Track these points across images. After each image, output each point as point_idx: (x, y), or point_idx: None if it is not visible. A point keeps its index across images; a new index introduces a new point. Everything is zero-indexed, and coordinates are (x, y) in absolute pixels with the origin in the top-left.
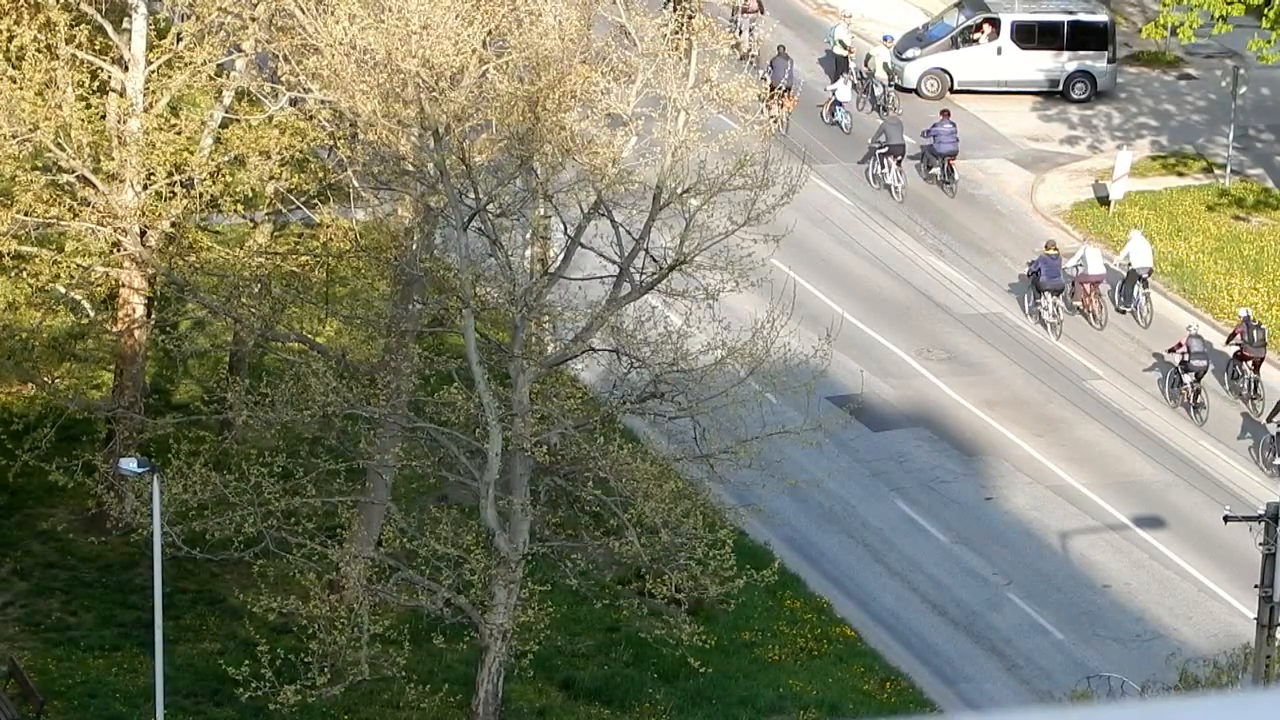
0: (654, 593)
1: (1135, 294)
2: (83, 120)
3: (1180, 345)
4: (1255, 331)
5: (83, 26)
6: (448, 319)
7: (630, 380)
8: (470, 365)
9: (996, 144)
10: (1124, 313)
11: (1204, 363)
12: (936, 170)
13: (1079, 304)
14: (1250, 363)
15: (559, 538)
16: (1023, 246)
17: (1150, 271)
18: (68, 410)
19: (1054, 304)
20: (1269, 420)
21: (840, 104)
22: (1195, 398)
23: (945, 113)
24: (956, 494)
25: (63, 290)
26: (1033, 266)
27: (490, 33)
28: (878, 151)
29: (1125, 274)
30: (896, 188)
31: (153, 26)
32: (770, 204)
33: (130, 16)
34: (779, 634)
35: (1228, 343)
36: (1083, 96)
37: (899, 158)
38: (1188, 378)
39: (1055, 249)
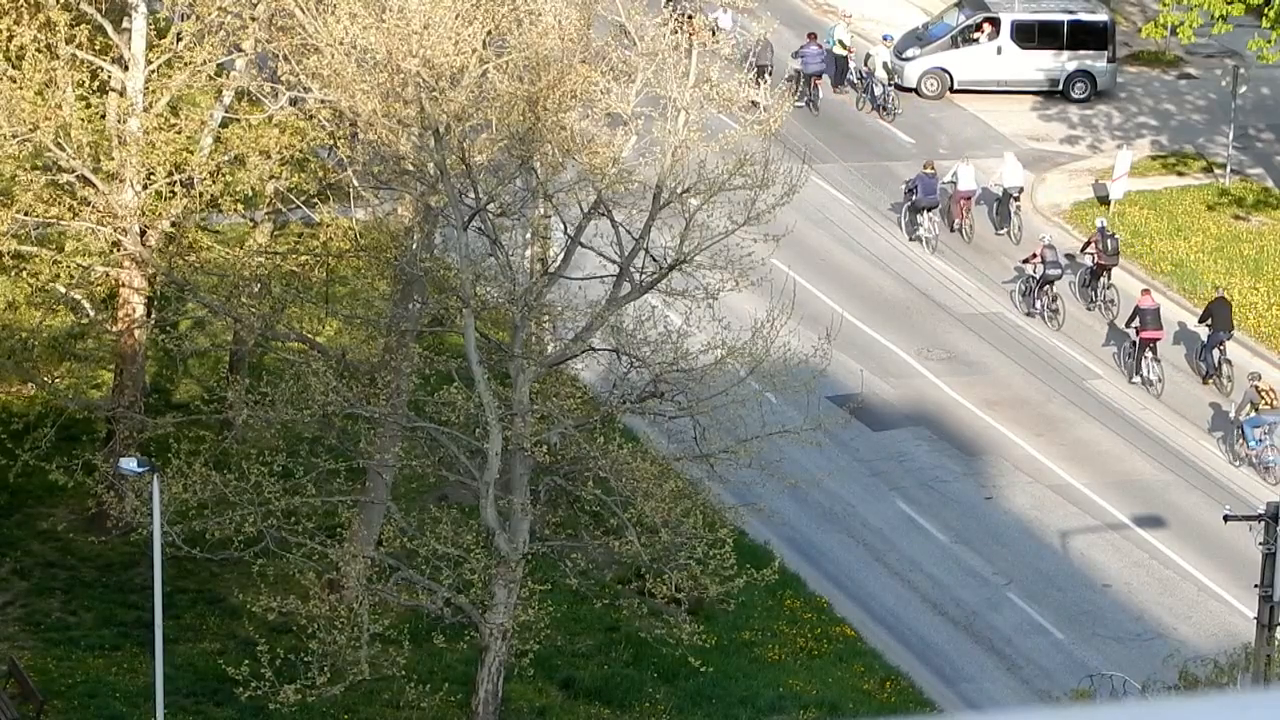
0: (654, 592)
1: (1009, 212)
2: (83, 120)
3: (1035, 256)
4: (1109, 241)
5: (83, 26)
6: (448, 319)
7: (630, 380)
8: (470, 365)
9: (996, 144)
10: (1000, 232)
11: (1057, 272)
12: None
13: (954, 221)
14: (1105, 271)
15: (559, 537)
16: (1023, 247)
17: (1021, 191)
18: (68, 410)
19: (930, 220)
20: (1126, 326)
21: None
22: (1051, 304)
23: (928, 165)
24: (956, 494)
25: (63, 290)
26: (909, 185)
27: (490, 32)
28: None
29: (999, 194)
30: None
31: (153, 26)
32: (770, 204)
33: (130, 16)
34: (779, 634)
35: (1082, 252)
36: (1083, 96)
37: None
38: (1043, 286)
39: (932, 168)
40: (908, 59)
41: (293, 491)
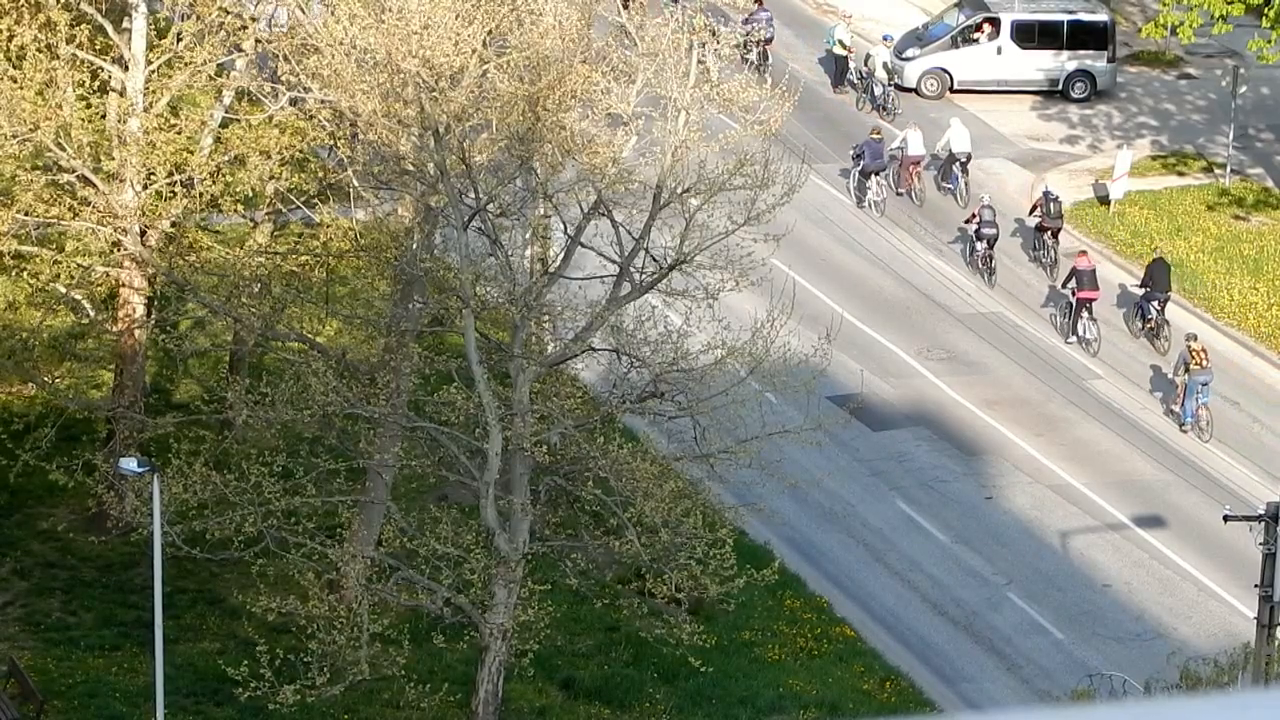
0: (654, 592)
1: (954, 175)
2: (83, 120)
3: (975, 216)
4: (1053, 204)
5: (83, 26)
6: (448, 319)
7: (630, 380)
8: (470, 365)
9: (996, 144)
10: (945, 191)
11: (994, 231)
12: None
13: (903, 185)
14: (1049, 233)
15: (559, 537)
16: (1024, 247)
17: (969, 157)
18: (68, 410)
19: (877, 183)
20: (1063, 286)
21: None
22: (988, 263)
23: (875, 131)
24: (956, 494)
25: (63, 290)
26: (857, 150)
27: (490, 33)
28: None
29: (944, 157)
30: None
31: (153, 26)
32: (770, 204)
33: (130, 16)
34: (779, 634)
35: (1029, 214)
36: (1083, 96)
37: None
38: (980, 245)
39: (879, 134)
40: (908, 59)
41: (293, 491)
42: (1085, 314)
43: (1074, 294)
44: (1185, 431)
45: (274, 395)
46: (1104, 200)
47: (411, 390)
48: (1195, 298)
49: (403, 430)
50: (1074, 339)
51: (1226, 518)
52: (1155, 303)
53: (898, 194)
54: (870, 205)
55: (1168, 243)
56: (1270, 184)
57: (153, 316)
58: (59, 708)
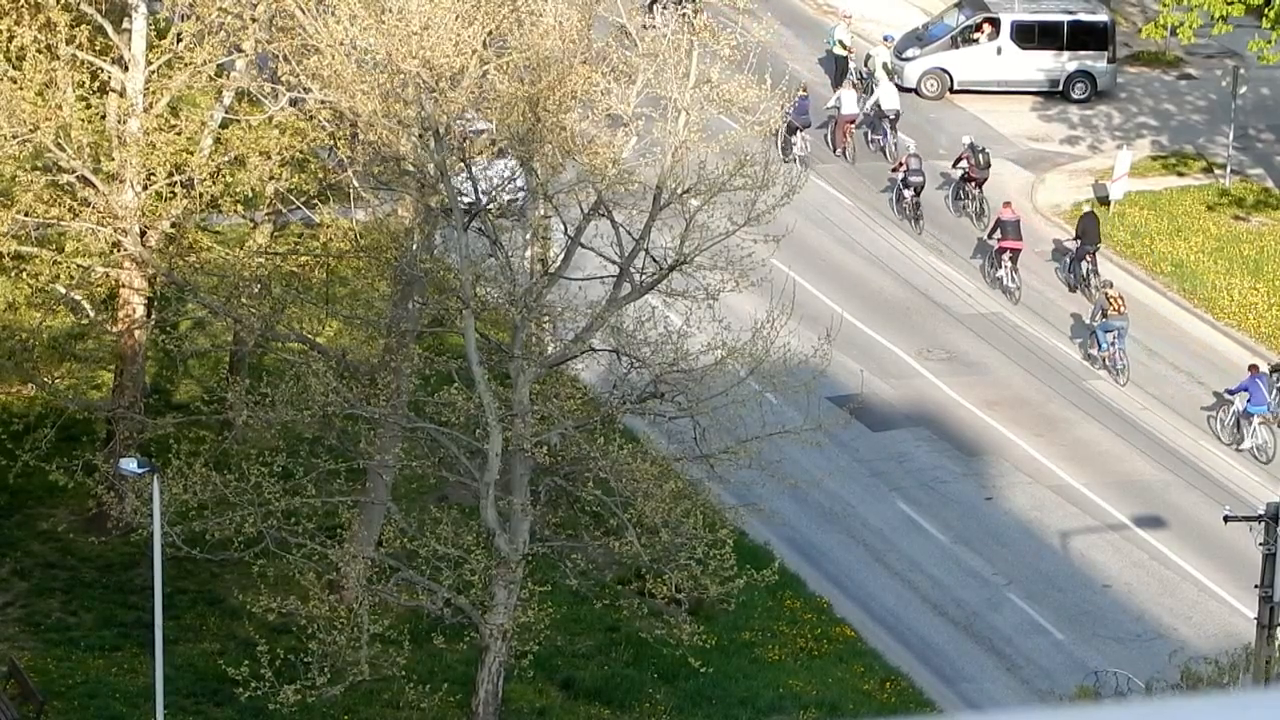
0: (654, 593)
1: (883, 131)
2: (83, 120)
3: (901, 164)
4: (980, 155)
5: (83, 27)
6: (448, 319)
7: (630, 380)
8: (470, 365)
9: (996, 144)
10: (874, 149)
11: (920, 179)
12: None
13: (838, 144)
14: (974, 183)
15: (559, 538)
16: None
17: (898, 114)
18: (68, 410)
19: (802, 139)
20: (989, 237)
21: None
22: (915, 210)
23: (802, 88)
24: (956, 494)
25: (63, 290)
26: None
27: (490, 33)
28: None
29: (873, 114)
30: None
31: (153, 26)
32: (770, 204)
33: (130, 16)
34: (779, 634)
35: (954, 165)
36: (1083, 96)
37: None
38: (907, 193)
39: (805, 91)
40: (908, 59)
41: (293, 492)
42: (1008, 263)
43: (998, 243)
44: (1099, 374)
45: (274, 396)
46: (1104, 201)
47: (411, 391)
48: (1195, 298)
49: (403, 431)
50: (998, 288)
51: (1227, 518)
52: (1086, 256)
53: (834, 153)
54: (795, 159)
55: (1168, 243)
56: (1270, 184)
57: (153, 317)
58: (59, 708)
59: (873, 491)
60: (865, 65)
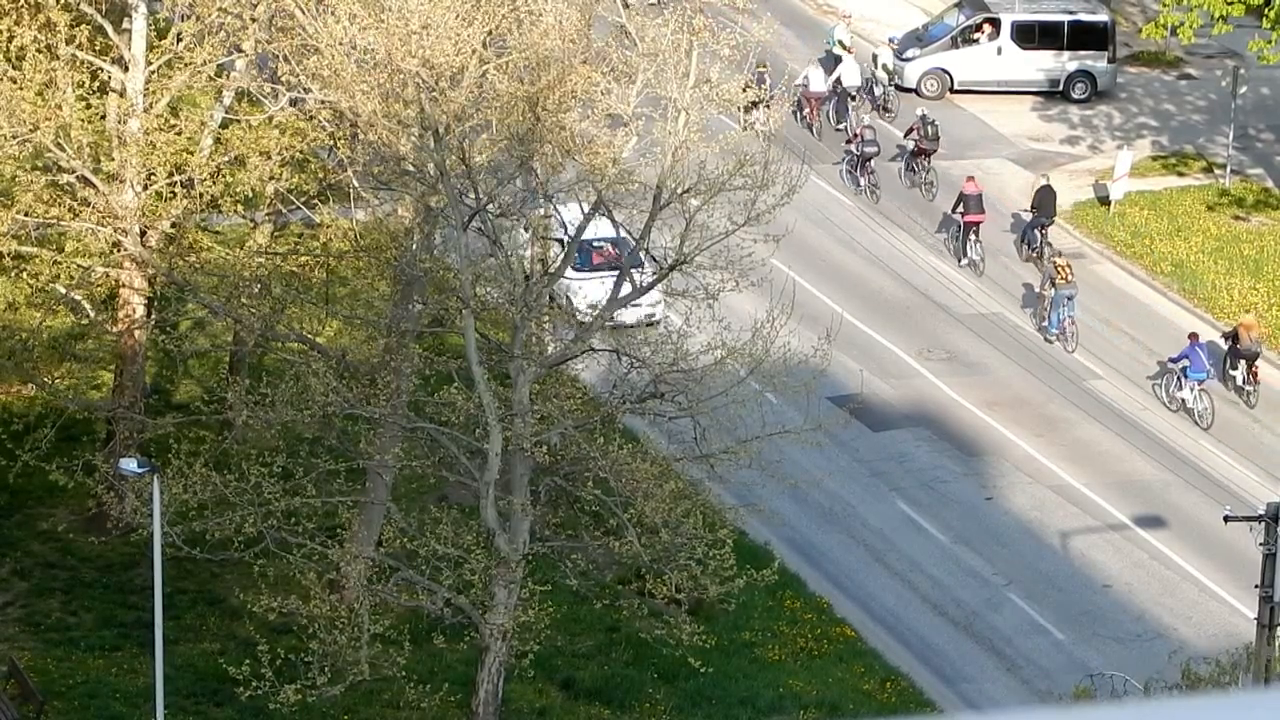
0: (654, 593)
1: (847, 108)
2: (83, 120)
3: (856, 136)
4: (929, 127)
5: (83, 27)
6: (448, 319)
7: (630, 380)
8: (470, 365)
9: (996, 144)
10: (839, 127)
11: (875, 149)
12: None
13: (807, 119)
14: (925, 155)
15: (559, 538)
16: (1023, 247)
17: (858, 90)
18: (68, 410)
19: (759, 113)
20: (952, 211)
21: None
22: (870, 179)
23: (761, 64)
24: (956, 494)
25: (63, 290)
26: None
27: (490, 33)
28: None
29: (838, 92)
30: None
31: (153, 26)
32: (770, 204)
33: (130, 16)
34: (779, 634)
35: (905, 136)
36: (1083, 96)
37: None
38: (864, 164)
39: (764, 66)
40: (908, 59)
41: (293, 492)
42: (972, 236)
43: (962, 217)
44: (1051, 341)
45: (274, 396)
46: (1104, 201)
47: (411, 391)
48: (1195, 298)
49: (403, 431)
50: (965, 261)
51: (1227, 518)
52: (1040, 228)
53: (804, 128)
54: (757, 133)
55: (1168, 243)
56: (1270, 184)
57: (153, 317)
58: (59, 708)
59: (873, 491)
60: (873, 64)
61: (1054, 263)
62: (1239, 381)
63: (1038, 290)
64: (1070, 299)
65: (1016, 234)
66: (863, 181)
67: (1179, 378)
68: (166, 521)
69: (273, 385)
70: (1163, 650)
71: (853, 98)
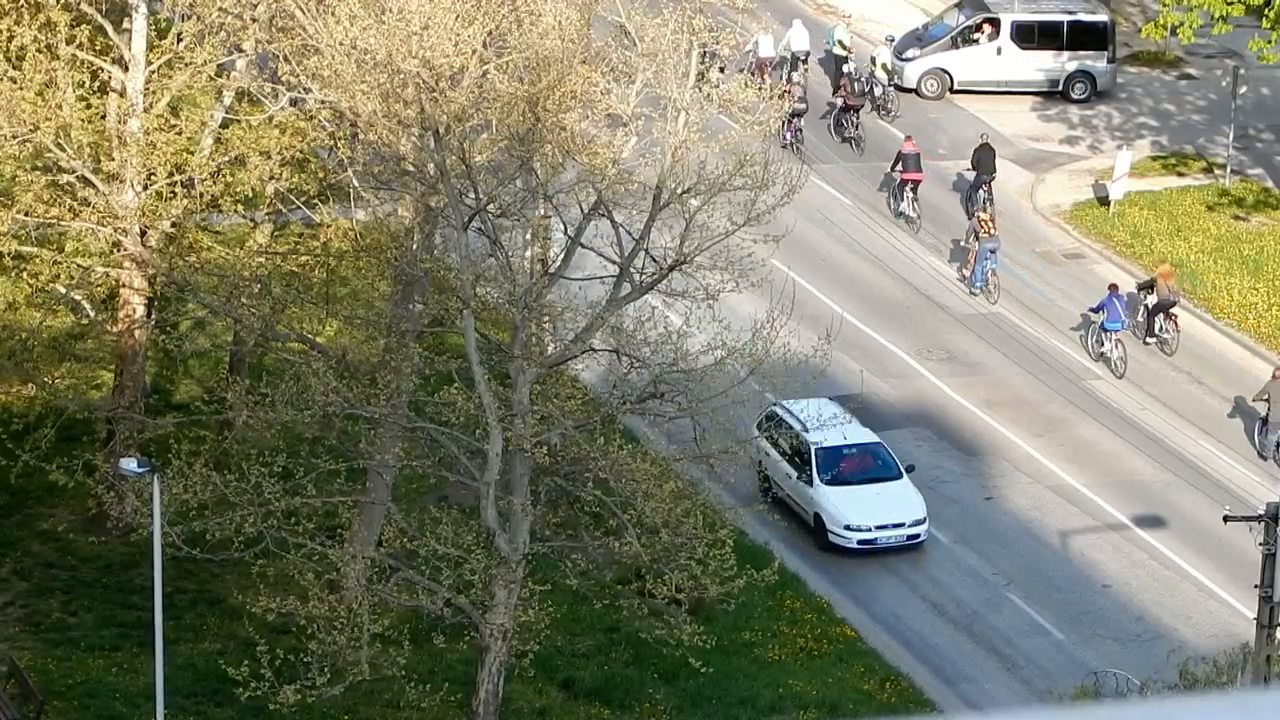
0: (654, 593)
1: (795, 73)
2: (83, 120)
3: (787, 91)
4: (856, 83)
5: (83, 26)
6: (448, 319)
7: (630, 380)
8: (470, 365)
9: (996, 144)
10: (786, 89)
11: (804, 106)
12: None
13: (758, 83)
14: (853, 111)
15: (559, 538)
16: (1023, 246)
17: (807, 55)
18: (68, 410)
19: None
20: (891, 170)
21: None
22: (796, 137)
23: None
24: (956, 494)
25: (63, 290)
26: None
27: (490, 33)
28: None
29: (788, 56)
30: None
31: (153, 26)
32: (770, 204)
33: (130, 16)
34: (779, 634)
35: (834, 94)
36: (1083, 96)
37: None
38: (795, 121)
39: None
40: (908, 59)
41: (293, 492)
42: (909, 193)
43: (900, 175)
44: (974, 294)
45: (274, 396)
46: (1104, 201)
47: (412, 391)
48: (1195, 298)
49: (403, 431)
50: (900, 218)
51: (1226, 518)
52: (983, 186)
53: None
54: (711, 99)
55: (1167, 243)
56: (1270, 184)
57: (153, 317)
58: (59, 708)
59: None
60: (872, 64)
61: (979, 217)
62: (1157, 330)
63: (963, 244)
64: (993, 252)
65: (961, 192)
66: (789, 137)
67: (1100, 328)
68: (166, 521)
69: (273, 385)
70: (1162, 650)
71: (803, 62)
